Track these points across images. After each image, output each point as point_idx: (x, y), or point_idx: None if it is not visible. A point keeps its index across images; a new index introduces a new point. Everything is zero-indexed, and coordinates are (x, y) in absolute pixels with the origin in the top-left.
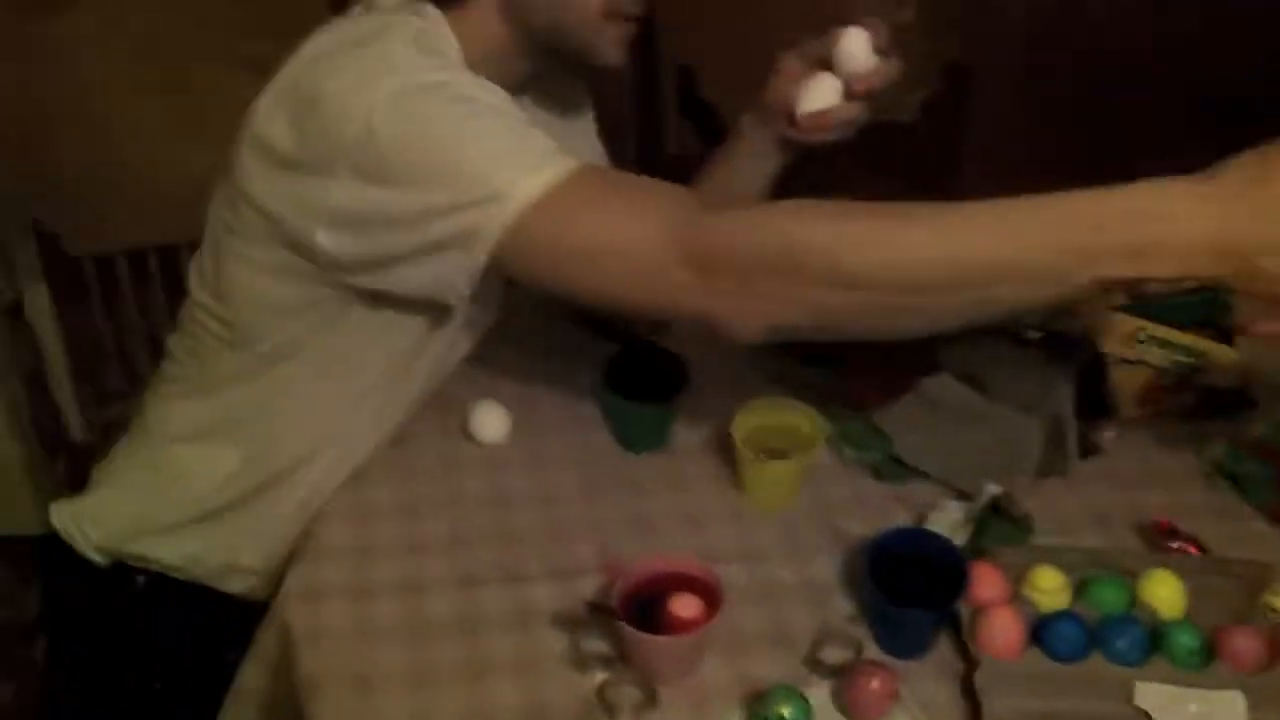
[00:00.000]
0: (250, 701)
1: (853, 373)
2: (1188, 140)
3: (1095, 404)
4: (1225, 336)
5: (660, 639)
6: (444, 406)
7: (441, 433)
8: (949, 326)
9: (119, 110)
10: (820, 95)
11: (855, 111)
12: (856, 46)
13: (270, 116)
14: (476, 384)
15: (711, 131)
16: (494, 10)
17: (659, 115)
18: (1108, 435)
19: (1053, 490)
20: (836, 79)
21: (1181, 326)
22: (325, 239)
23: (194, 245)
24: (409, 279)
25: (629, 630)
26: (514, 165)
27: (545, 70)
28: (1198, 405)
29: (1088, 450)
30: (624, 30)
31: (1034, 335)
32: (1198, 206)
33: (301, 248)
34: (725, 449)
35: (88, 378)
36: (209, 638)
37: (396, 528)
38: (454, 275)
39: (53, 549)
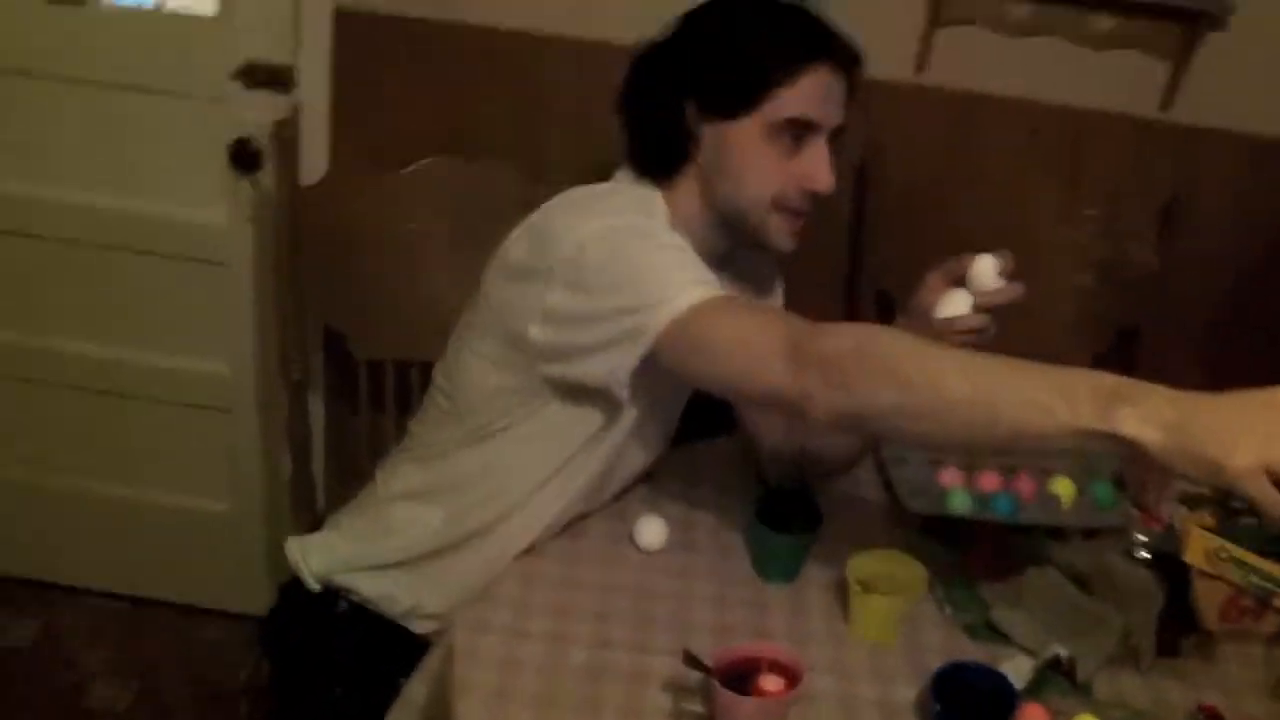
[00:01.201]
0: (412, 708)
1: (971, 552)
2: None
3: (1180, 611)
4: None
5: (742, 699)
6: (617, 514)
7: (610, 535)
8: (961, 438)
9: (417, 251)
10: (952, 306)
11: (980, 322)
12: (985, 269)
13: (517, 240)
14: (647, 500)
15: None
16: (695, 190)
17: None
18: (1187, 642)
19: (1123, 674)
20: (968, 294)
21: (1263, 553)
22: (536, 332)
23: None
24: (589, 368)
25: (717, 688)
26: (680, 282)
27: (738, 250)
28: None
29: (1165, 651)
30: (790, 222)
31: (1143, 555)
32: (1170, 396)
33: (517, 340)
34: (845, 592)
35: (340, 459)
36: (390, 662)
37: (555, 594)
38: (621, 366)
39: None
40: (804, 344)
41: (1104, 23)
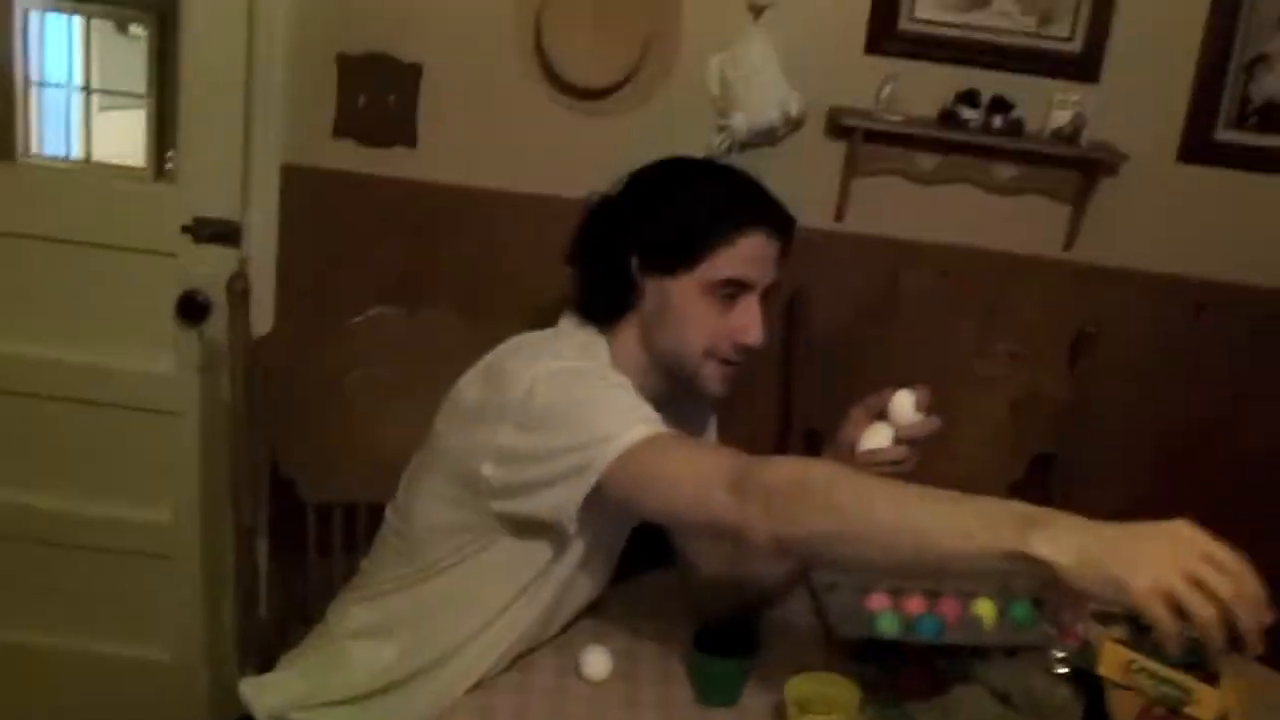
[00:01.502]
0: None
1: (901, 673)
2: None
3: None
4: (1211, 680)
5: None
6: (563, 646)
7: (557, 668)
8: (892, 561)
9: (365, 397)
10: (874, 439)
11: (900, 454)
12: (903, 404)
13: (469, 383)
14: (591, 632)
15: None
16: (635, 336)
17: None
18: None
19: None
20: (889, 427)
21: (1172, 665)
22: (489, 470)
23: None
24: (539, 504)
25: None
26: (625, 420)
27: (675, 394)
28: None
29: None
30: (722, 370)
31: (1061, 671)
32: (1081, 523)
33: (469, 478)
34: (784, 715)
35: (288, 602)
36: None
37: None
38: (570, 501)
39: None
40: (746, 476)
41: (1006, 171)
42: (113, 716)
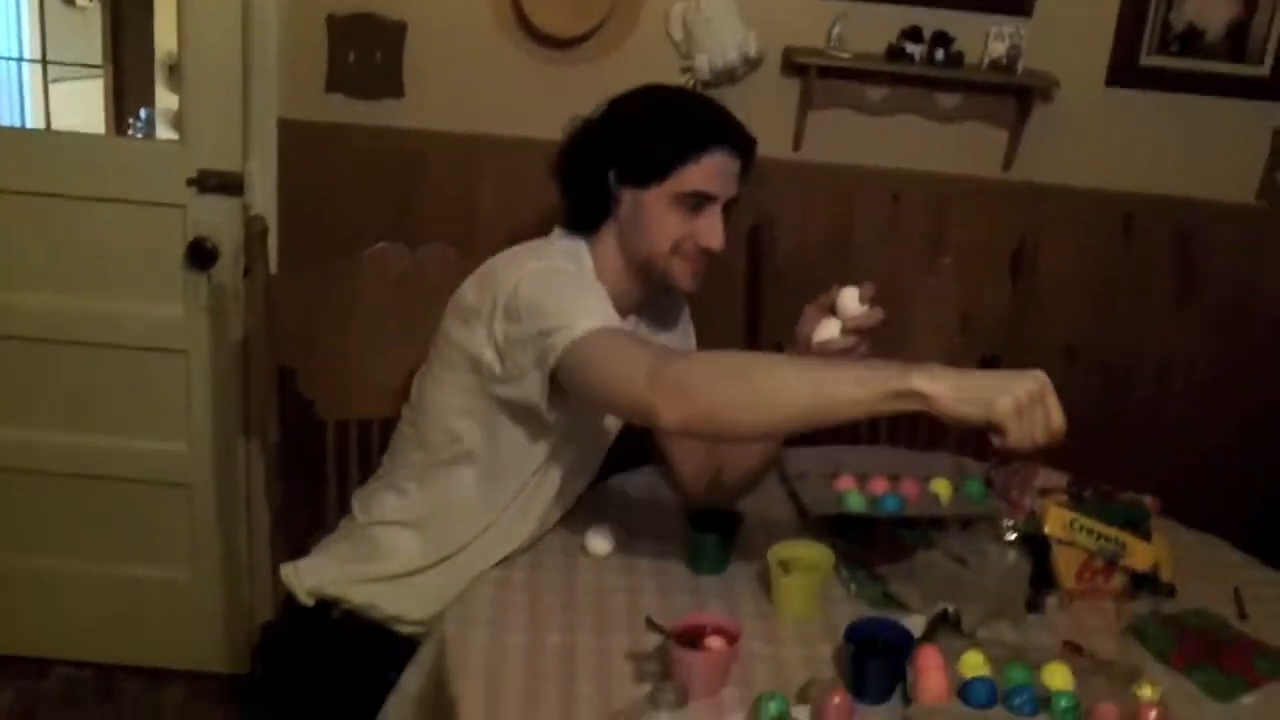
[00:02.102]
0: (407, 697)
1: (868, 544)
2: None
3: (1043, 578)
4: (1145, 536)
5: (695, 653)
6: (570, 526)
7: (564, 546)
8: (793, 417)
9: (371, 324)
10: (825, 331)
11: (848, 342)
12: (849, 298)
13: (469, 285)
14: (595, 512)
15: None
16: (613, 243)
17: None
18: (1050, 601)
19: (1000, 626)
20: (838, 321)
21: (1108, 523)
22: (489, 357)
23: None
24: (526, 387)
25: (674, 646)
26: (584, 312)
27: (653, 299)
28: (1126, 587)
29: (1032, 608)
30: (690, 265)
31: (1010, 538)
32: (951, 368)
33: (474, 364)
34: (768, 580)
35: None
36: (379, 660)
37: (525, 596)
38: (540, 383)
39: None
40: (663, 365)
41: (951, 100)
42: (136, 631)
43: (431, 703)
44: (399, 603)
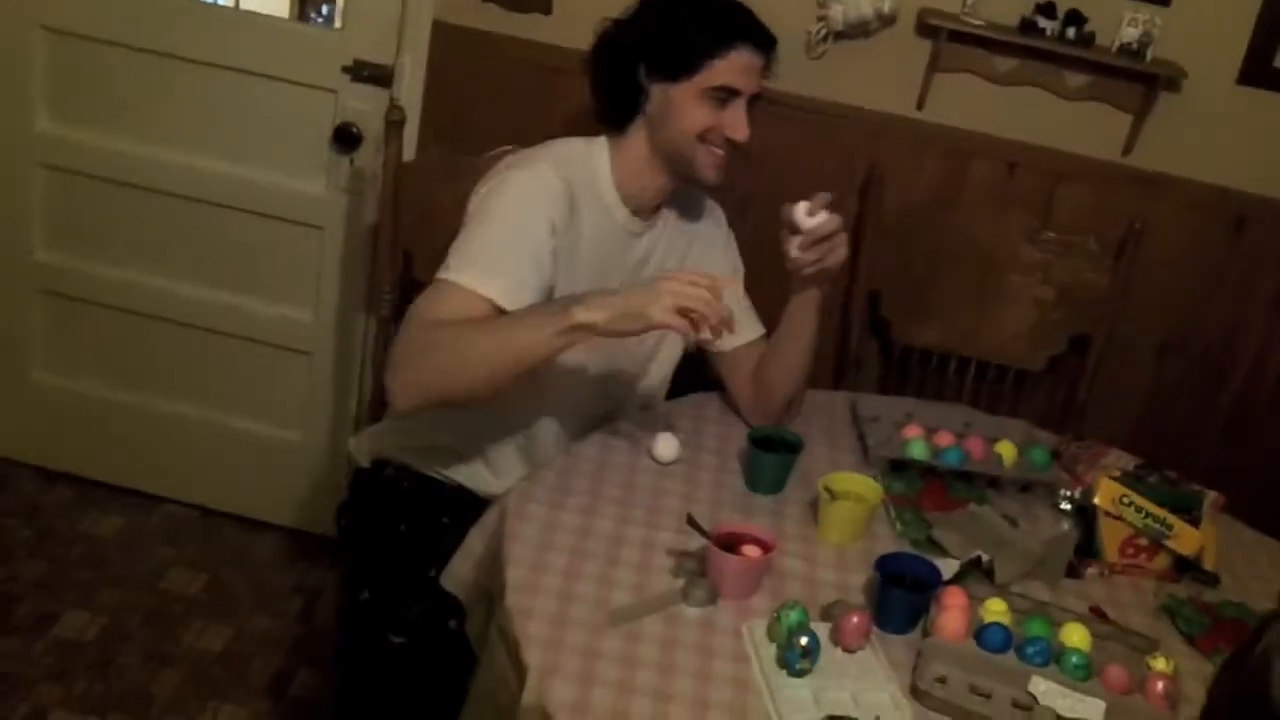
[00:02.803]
0: (471, 555)
1: (923, 490)
2: None
3: (1087, 548)
4: (1194, 523)
5: (730, 556)
6: (641, 429)
7: (631, 449)
8: (493, 371)
9: None
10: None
11: (809, 259)
12: (799, 213)
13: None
14: (663, 422)
15: (886, 343)
16: (643, 136)
17: (849, 324)
18: (1089, 570)
19: (1033, 585)
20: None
21: (1160, 504)
22: None
23: None
24: None
25: (711, 548)
26: (469, 263)
27: (681, 189)
28: (1169, 569)
29: (1072, 573)
30: (714, 156)
31: (1066, 506)
32: (598, 293)
33: None
34: (817, 508)
35: None
36: (433, 507)
37: (586, 483)
38: None
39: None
40: (391, 353)
41: (1077, 79)
42: (241, 481)
43: (488, 564)
44: (457, 471)
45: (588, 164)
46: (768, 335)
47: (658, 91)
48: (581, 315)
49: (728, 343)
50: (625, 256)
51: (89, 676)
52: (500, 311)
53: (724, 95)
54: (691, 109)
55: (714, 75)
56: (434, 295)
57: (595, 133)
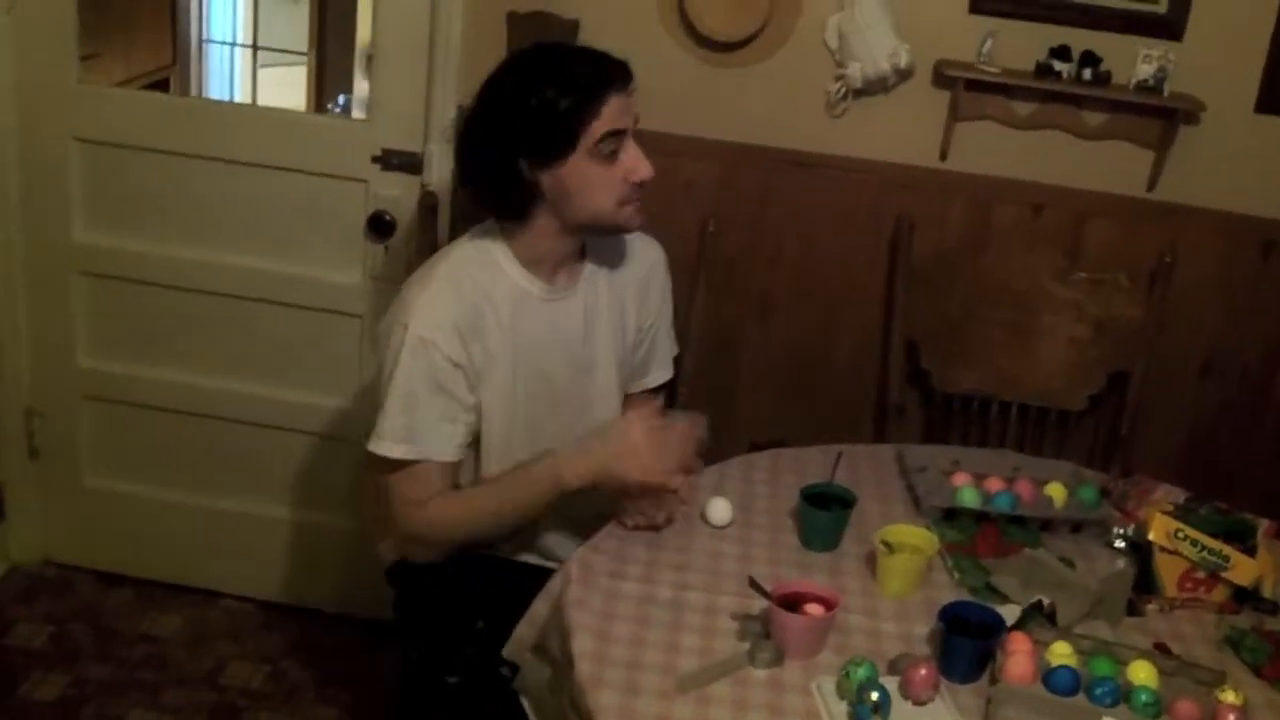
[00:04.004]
0: (536, 622)
1: (978, 536)
2: None
3: (1145, 584)
4: (1250, 552)
5: (794, 615)
6: (691, 497)
7: (684, 514)
8: (502, 525)
9: None
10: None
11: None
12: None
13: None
14: (718, 485)
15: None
16: (551, 218)
17: (888, 375)
18: (1149, 607)
19: (1096, 625)
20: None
21: (1213, 535)
22: None
23: None
24: None
25: (775, 608)
26: (402, 439)
27: (590, 241)
28: (1229, 600)
29: (1132, 611)
30: (633, 208)
31: (1120, 544)
32: (571, 454)
33: None
34: (874, 562)
35: None
36: (470, 571)
37: (644, 551)
38: None
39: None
40: (410, 529)
41: (1096, 118)
42: (296, 572)
43: (550, 628)
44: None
45: (486, 260)
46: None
47: (548, 177)
48: (574, 483)
49: (635, 386)
50: (564, 320)
51: None
52: (448, 462)
53: (613, 144)
54: (592, 180)
55: (595, 132)
56: (402, 481)
57: None
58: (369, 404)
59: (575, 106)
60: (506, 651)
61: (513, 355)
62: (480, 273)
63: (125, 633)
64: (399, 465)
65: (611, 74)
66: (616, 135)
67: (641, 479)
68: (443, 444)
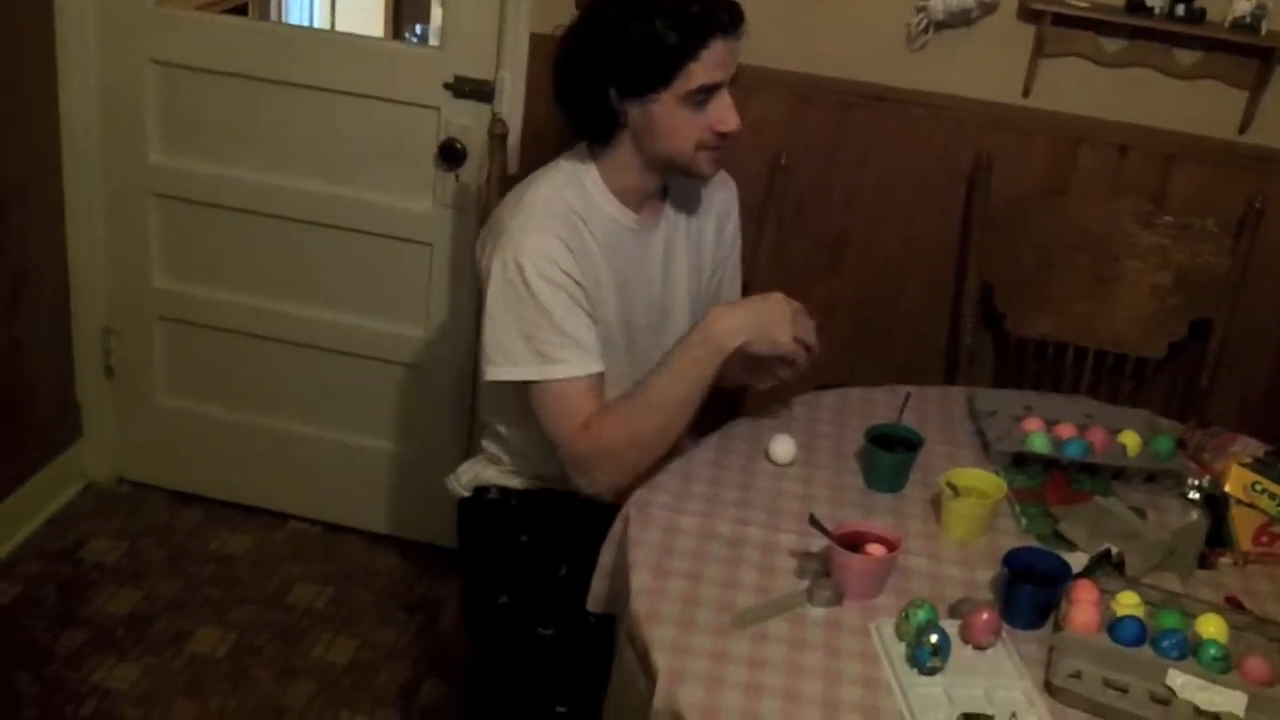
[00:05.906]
0: (604, 572)
1: (1047, 484)
2: None
3: (1219, 537)
4: None
5: (854, 555)
6: (754, 436)
7: (748, 451)
8: (682, 421)
9: None
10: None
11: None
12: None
13: (480, 244)
14: (779, 423)
15: (1000, 335)
16: (630, 150)
17: (960, 318)
18: (1223, 560)
19: (1165, 577)
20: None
21: None
22: None
23: None
24: None
25: (835, 547)
26: (556, 359)
27: (671, 180)
28: None
29: (1204, 564)
30: (712, 155)
31: (1194, 495)
32: (720, 311)
33: None
34: (939, 505)
35: None
36: (547, 514)
37: (704, 489)
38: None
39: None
40: (587, 439)
41: (1188, 57)
42: (361, 495)
43: (617, 572)
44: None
45: (581, 186)
46: None
47: (635, 109)
48: (733, 343)
49: None
50: (647, 256)
51: (223, 691)
52: (594, 373)
53: (705, 94)
54: (677, 121)
55: (691, 80)
56: (556, 406)
57: None
58: (485, 337)
59: (675, 47)
60: (590, 605)
61: (611, 280)
62: (575, 197)
63: (195, 551)
64: (546, 391)
65: (720, 21)
66: (711, 89)
67: (784, 342)
68: (585, 358)
